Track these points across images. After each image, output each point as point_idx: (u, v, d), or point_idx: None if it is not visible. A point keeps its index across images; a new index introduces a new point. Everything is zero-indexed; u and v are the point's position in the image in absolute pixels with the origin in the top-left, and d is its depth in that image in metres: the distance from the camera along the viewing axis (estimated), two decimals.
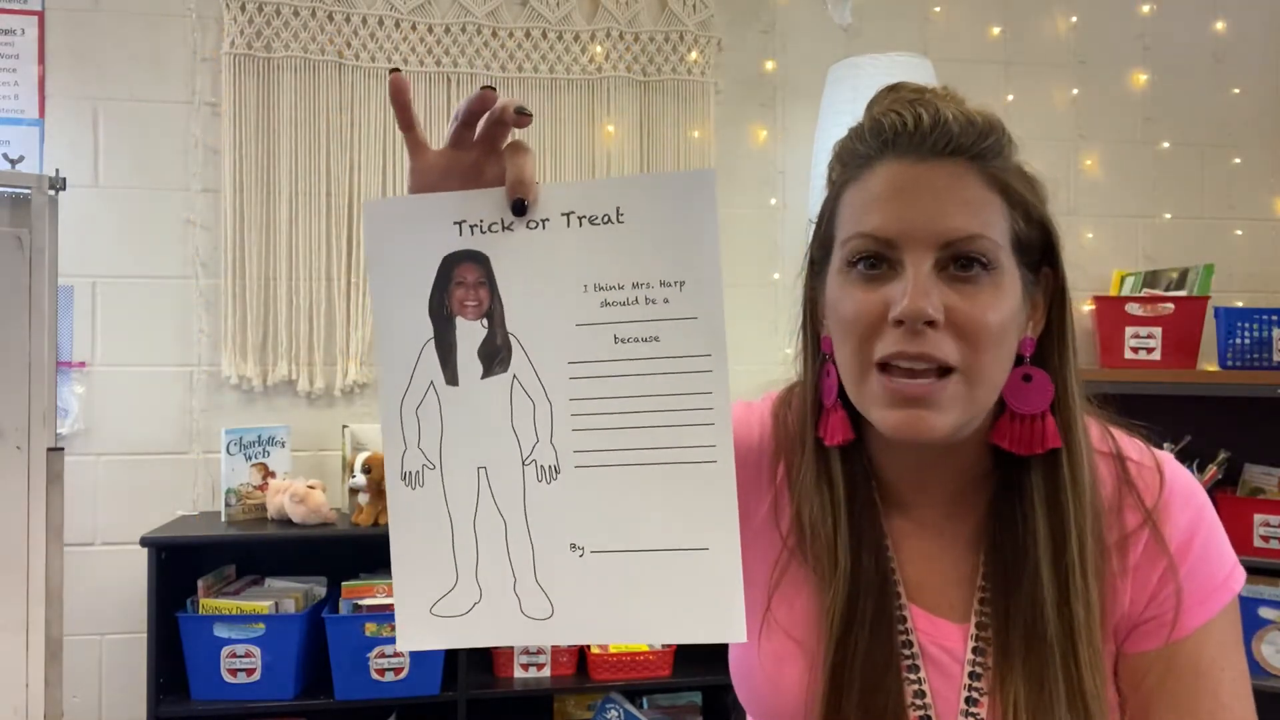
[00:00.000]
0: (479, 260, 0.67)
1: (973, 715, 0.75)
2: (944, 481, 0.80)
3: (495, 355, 0.67)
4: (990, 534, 0.78)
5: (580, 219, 0.66)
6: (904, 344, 0.70)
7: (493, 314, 0.67)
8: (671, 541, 0.65)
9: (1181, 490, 0.77)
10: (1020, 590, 0.74)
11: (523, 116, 0.66)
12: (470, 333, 0.67)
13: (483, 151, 0.68)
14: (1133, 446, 0.80)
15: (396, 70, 0.68)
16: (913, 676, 0.77)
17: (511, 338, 0.67)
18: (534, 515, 0.67)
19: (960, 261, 0.70)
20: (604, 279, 0.66)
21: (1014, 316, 0.73)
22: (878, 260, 0.72)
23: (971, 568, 0.79)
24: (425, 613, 0.68)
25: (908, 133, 0.72)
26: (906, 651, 0.77)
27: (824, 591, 0.78)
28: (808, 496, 0.80)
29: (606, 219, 0.66)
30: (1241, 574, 0.77)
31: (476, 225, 0.67)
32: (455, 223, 0.67)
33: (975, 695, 0.75)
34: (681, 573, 0.65)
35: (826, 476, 0.79)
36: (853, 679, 0.75)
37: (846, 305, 0.73)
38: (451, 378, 0.68)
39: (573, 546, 0.66)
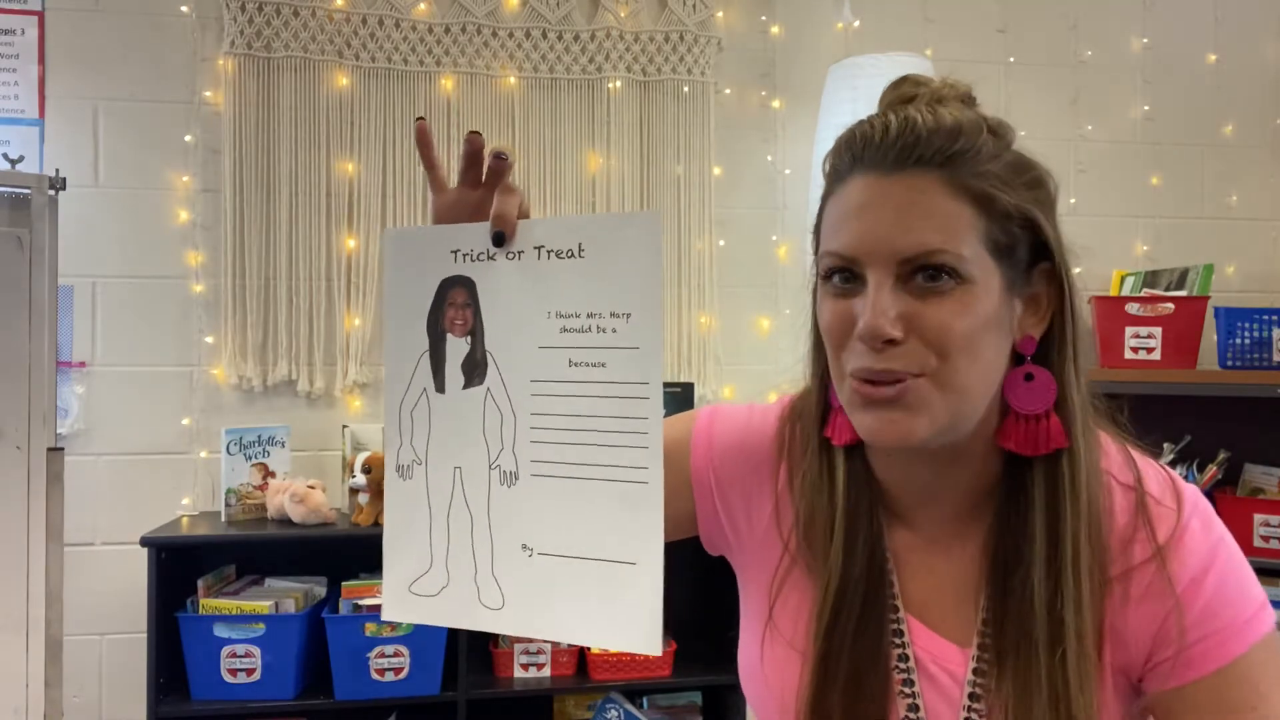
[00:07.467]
0: (467, 285, 0.76)
1: None
2: (952, 494, 0.78)
3: (474, 369, 0.76)
4: (992, 546, 0.76)
5: (549, 252, 0.74)
6: (869, 360, 0.71)
7: (475, 333, 0.76)
8: (604, 552, 0.71)
9: (1195, 531, 0.75)
10: (1014, 594, 0.73)
11: (499, 161, 0.75)
12: (457, 348, 0.76)
13: (487, 189, 0.77)
14: (1155, 480, 0.77)
15: (421, 119, 0.79)
16: (907, 690, 0.76)
17: (488, 355, 0.75)
18: (495, 514, 0.75)
19: (928, 271, 0.70)
20: (564, 307, 0.73)
21: (990, 322, 0.71)
22: (848, 274, 0.73)
23: (976, 585, 0.77)
24: (405, 589, 0.77)
25: (874, 144, 0.72)
26: (902, 665, 0.77)
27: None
28: (808, 493, 0.81)
29: (570, 253, 0.73)
30: (1270, 615, 0.74)
31: (468, 254, 0.76)
32: (451, 251, 0.76)
33: (974, 716, 0.74)
34: (609, 583, 0.71)
35: (829, 474, 0.80)
36: (838, 670, 0.76)
37: (824, 316, 0.76)
38: (440, 386, 0.77)
39: (524, 546, 0.74)
